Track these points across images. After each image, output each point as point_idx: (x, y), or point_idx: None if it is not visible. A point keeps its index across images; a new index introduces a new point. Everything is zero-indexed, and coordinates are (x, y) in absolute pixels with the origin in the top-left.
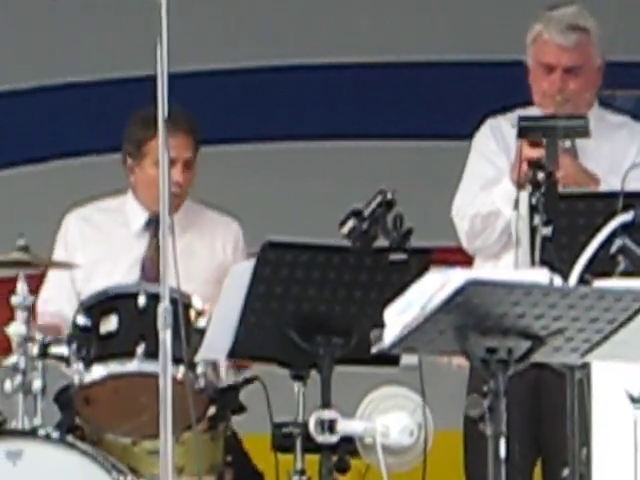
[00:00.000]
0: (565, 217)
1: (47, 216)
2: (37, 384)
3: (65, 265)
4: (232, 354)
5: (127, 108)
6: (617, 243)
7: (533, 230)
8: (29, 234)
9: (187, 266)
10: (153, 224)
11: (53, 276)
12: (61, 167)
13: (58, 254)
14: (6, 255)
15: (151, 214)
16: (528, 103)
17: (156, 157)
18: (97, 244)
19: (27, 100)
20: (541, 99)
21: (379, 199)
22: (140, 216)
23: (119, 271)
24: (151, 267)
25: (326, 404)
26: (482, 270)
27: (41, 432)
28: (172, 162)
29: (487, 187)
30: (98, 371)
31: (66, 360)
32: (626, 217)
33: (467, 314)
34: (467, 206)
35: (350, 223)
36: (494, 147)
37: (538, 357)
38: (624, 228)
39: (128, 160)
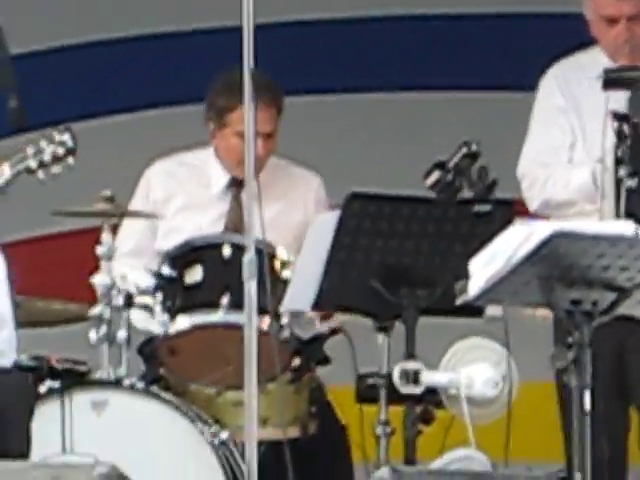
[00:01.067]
0: None
1: (131, 166)
2: (122, 334)
3: (149, 215)
4: (317, 305)
5: (212, 59)
6: None
7: (618, 182)
8: (114, 185)
9: (270, 219)
10: (235, 185)
11: (132, 227)
12: (145, 118)
13: (136, 207)
14: (91, 205)
15: (233, 176)
16: (588, 43)
17: (238, 128)
18: (179, 199)
19: (110, 51)
20: (612, 52)
21: (464, 150)
22: (222, 177)
23: (201, 227)
24: (234, 229)
25: (410, 355)
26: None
27: (126, 382)
28: None
29: (557, 151)
30: (183, 322)
31: (151, 310)
32: None
33: (552, 266)
34: (534, 171)
35: (434, 175)
36: (560, 102)
37: (622, 309)
38: None
39: (210, 124)
